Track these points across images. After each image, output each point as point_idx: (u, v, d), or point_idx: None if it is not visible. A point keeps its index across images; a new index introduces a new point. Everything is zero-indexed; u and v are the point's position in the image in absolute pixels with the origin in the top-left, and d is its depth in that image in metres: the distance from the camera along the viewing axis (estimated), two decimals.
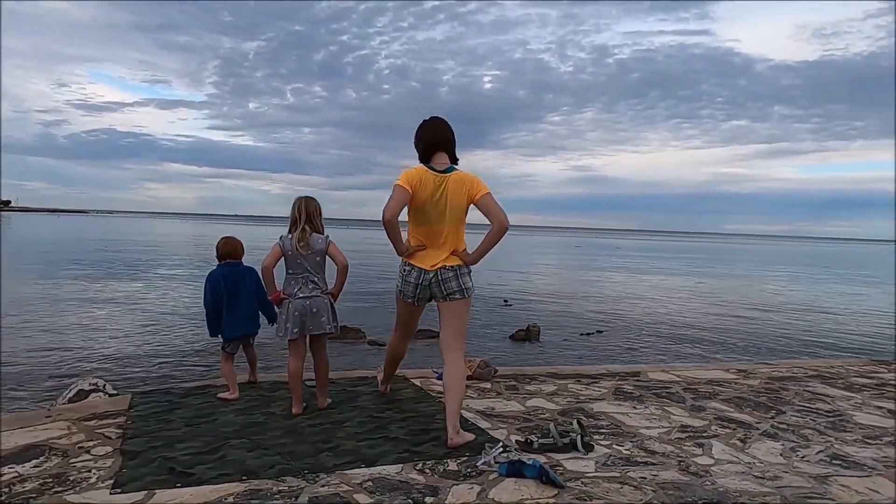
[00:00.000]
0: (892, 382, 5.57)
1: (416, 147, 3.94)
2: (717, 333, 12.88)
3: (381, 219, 3.66)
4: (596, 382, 5.20)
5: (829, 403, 4.77)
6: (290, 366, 4.12)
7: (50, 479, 2.99)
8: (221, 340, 4.56)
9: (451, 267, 3.81)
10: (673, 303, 18.02)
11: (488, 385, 5.00)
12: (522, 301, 16.95)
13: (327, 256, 4.08)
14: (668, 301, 18.39)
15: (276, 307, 4.13)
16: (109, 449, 3.41)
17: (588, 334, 12.36)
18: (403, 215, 3.72)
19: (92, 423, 3.85)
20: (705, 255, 55.00)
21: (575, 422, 3.72)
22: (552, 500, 2.90)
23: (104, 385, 5.50)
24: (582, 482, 3.12)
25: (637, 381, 5.30)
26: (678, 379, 5.41)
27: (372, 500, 2.85)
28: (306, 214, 4.04)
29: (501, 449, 3.37)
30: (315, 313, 4.03)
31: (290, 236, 4.03)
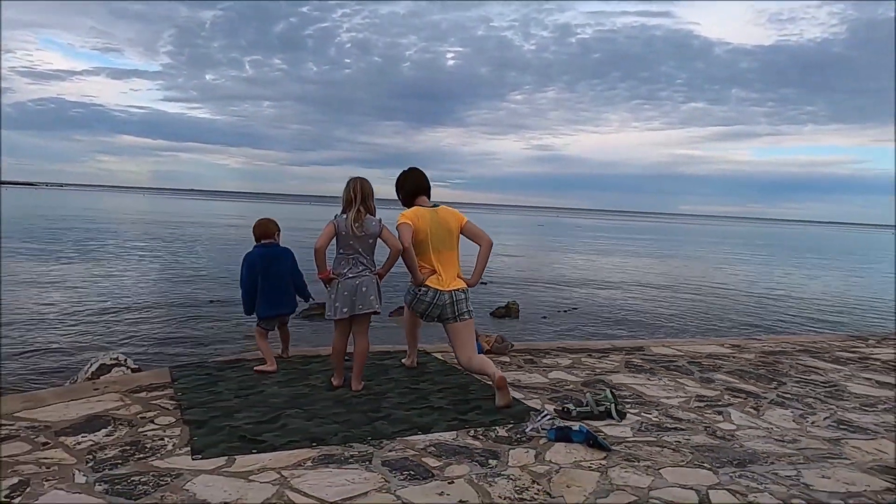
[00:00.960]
0: (873, 356, 6.02)
1: (398, 193, 4.58)
2: (685, 310, 13.43)
3: (400, 250, 4.16)
4: (606, 356, 5.49)
5: (822, 375, 5.17)
6: (334, 343, 4.27)
7: (128, 447, 3.12)
8: (257, 318, 4.68)
9: (463, 290, 4.38)
10: (638, 281, 18.59)
11: (507, 359, 5.25)
12: (496, 279, 17.26)
13: (379, 239, 4.19)
14: (634, 279, 18.95)
15: (325, 286, 4.22)
16: (172, 419, 3.54)
17: (565, 311, 12.75)
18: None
19: (142, 395, 3.96)
20: (663, 235, 56.36)
21: (608, 391, 4.00)
22: (604, 462, 3.16)
23: (125, 360, 5.57)
24: (625, 446, 3.40)
25: (643, 355, 5.62)
26: (680, 353, 5.75)
27: (441, 463, 3.07)
28: (361, 195, 4.11)
29: (548, 416, 3.62)
30: (364, 292, 4.12)
31: (344, 216, 4.09)
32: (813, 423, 3.95)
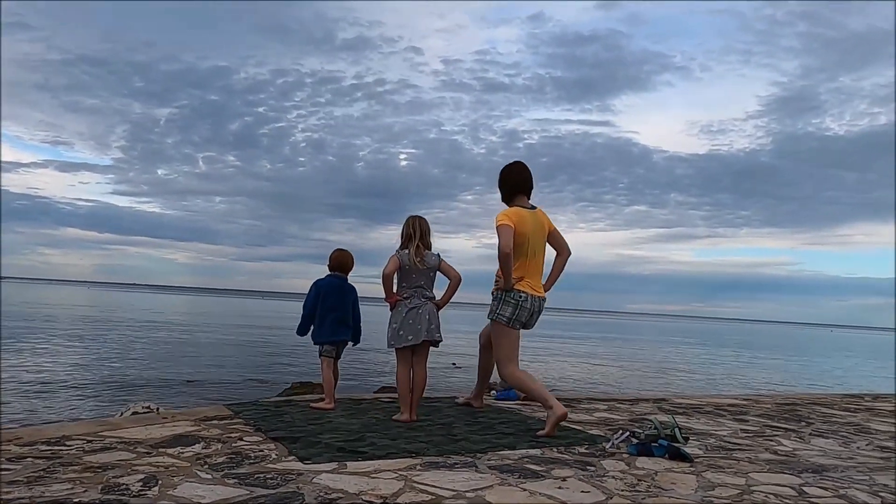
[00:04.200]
0: (877, 408, 6.34)
1: (500, 187, 4.40)
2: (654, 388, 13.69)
3: (498, 253, 4.04)
4: (636, 404, 5.66)
5: (842, 419, 5.44)
6: (399, 374, 4.32)
7: (233, 455, 3.11)
8: (319, 346, 4.71)
9: (545, 297, 4.34)
10: (600, 365, 18.88)
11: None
12: (468, 364, 17.26)
13: (439, 272, 4.37)
14: (595, 364, 19.24)
15: (391, 310, 4.32)
16: (260, 438, 3.54)
17: (551, 389, 12.82)
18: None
19: (214, 422, 3.93)
20: (614, 331, 57.27)
21: (671, 417, 4.17)
22: (693, 469, 3.31)
23: (157, 408, 5.47)
24: (703, 459, 3.55)
25: (669, 404, 5.81)
26: (703, 403, 5.96)
27: (544, 468, 3.16)
28: (420, 231, 4.30)
29: (626, 433, 3.76)
30: (428, 320, 4.24)
31: (406, 251, 4.27)
32: (858, 447, 4.18)
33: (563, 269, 4.44)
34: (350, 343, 4.94)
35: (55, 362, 12.32)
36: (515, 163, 4.41)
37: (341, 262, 4.83)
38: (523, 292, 4.17)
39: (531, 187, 4.37)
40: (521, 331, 4.35)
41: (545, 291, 4.38)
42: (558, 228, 4.41)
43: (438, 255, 4.39)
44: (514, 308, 4.17)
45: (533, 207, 4.31)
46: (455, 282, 4.37)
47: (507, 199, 4.36)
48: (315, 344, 4.76)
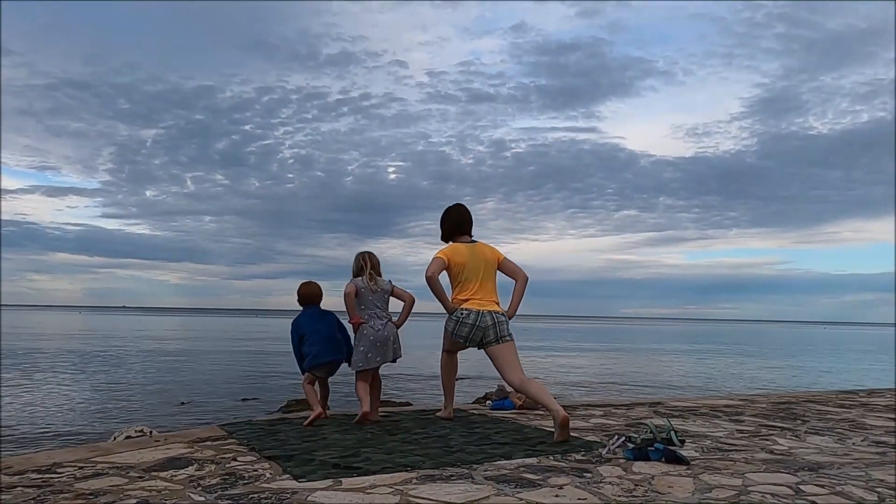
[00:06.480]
0: (872, 403, 6.38)
1: (441, 227, 4.77)
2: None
3: (413, 300, 4.74)
4: (632, 409, 5.66)
5: (837, 415, 5.46)
6: (359, 389, 4.65)
7: (227, 476, 3.09)
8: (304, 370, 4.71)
9: (503, 312, 4.54)
10: (595, 371, 18.89)
11: (540, 412, 5.35)
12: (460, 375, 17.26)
13: (392, 296, 4.77)
14: (590, 370, 19.25)
15: (353, 332, 4.64)
16: (253, 458, 3.51)
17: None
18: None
19: (207, 443, 3.90)
20: (609, 336, 57.33)
21: (667, 420, 4.17)
22: (690, 471, 3.30)
23: (150, 431, 5.41)
24: (700, 461, 3.55)
25: (665, 407, 5.82)
26: (698, 405, 5.97)
27: (540, 477, 3.15)
28: (371, 263, 4.72)
29: (622, 438, 3.75)
30: (392, 341, 4.65)
31: (360, 278, 4.67)
32: (853, 443, 4.20)
33: (522, 292, 4.63)
34: (345, 363, 4.90)
35: (45, 388, 12.20)
36: (454, 206, 4.73)
37: (310, 293, 4.86)
38: (466, 309, 4.41)
39: (469, 226, 4.70)
40: (498, 347, 4.42)
41: (510, 314, 4.56)
42: (509, 257, 4.70)
43: (390, 280, 4.79)
44: (454, 324, 4.44)
45: (473, 241, 4.66)
46: (409, 303, 4.78)
47: (446, 238, 4.71)
48: (306, 367, 4.72)
